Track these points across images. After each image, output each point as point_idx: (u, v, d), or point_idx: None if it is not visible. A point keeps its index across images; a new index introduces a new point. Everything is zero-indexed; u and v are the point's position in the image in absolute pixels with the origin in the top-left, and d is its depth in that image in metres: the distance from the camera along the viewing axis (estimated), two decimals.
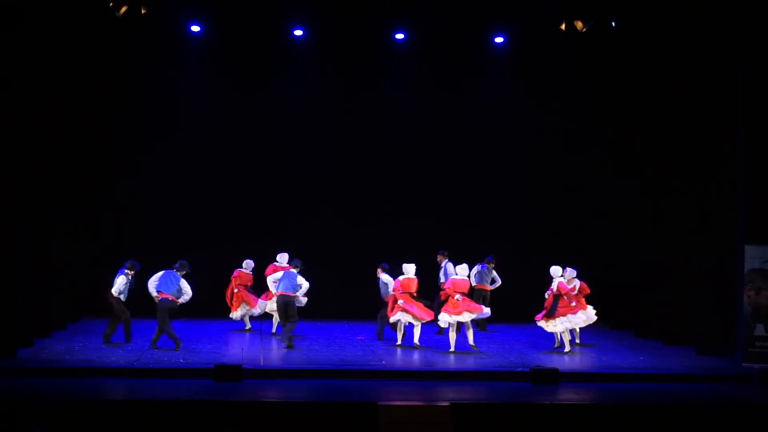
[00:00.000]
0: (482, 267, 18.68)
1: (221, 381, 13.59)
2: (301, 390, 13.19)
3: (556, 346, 16.63)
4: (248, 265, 18.05)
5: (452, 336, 16.00)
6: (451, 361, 15.44)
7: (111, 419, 11.75)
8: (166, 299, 15.53)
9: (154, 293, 15.64)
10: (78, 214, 18.78)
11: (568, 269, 16.70)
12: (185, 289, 15.66)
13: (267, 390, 13.22)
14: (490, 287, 18.68)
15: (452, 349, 15.94)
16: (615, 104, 19.98)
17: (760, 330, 15.19)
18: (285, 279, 16.13)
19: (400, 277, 16.40)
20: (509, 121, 20.91)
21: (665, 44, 17.84)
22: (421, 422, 12.16)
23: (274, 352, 15.85)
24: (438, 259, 18.52)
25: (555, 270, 16.35)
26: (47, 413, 11.55)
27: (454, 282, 16.08)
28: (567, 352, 16.23)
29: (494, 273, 18.73)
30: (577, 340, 17.05)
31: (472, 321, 16.18)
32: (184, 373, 14.01)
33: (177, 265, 15.90)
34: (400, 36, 20.11)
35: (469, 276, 16.56)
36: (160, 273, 15.77)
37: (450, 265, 17.86)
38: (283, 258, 17.53)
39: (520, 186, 20.92)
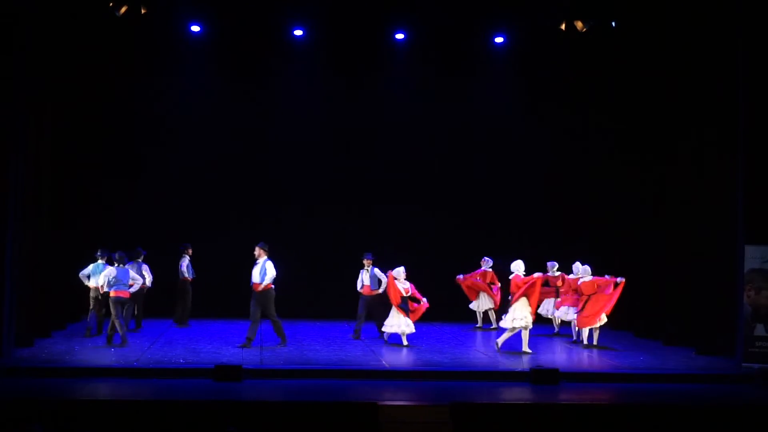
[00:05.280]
0: (373, 269, 17.61)
1: (221, 381, 13.58)
2: (301, 390, 13.19)
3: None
4: (399, 273, 16.79)
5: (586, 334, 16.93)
6: (451, 361, 15.44)
7: (111, 419, 11.74)
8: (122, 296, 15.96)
9: (106, 289, 15.91)
10: (77, 214, 18.78)
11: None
12: (135, 276, 16.26)
13: (267, 390, 13.22)
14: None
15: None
16: (615, 104, 19.98)
17: (760, 330, 15.19)
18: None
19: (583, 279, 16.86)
20: (508, 121, 20.92)
21: (665, 44, 17.85)
22: (421, 422, 12.15)
23: (274, 352, 15.84)
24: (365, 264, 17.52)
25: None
26: (47, 413, 11.54)
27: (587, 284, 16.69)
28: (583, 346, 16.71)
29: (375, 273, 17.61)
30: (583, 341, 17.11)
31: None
32: (184, 373, 14.00)
33: (116, 256, 16.12)
34: (400, 36, 20.12)
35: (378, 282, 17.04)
36: (113, 271, 15.87)
37: (377, 270, 17.35)
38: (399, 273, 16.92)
39: (519, 186, 20.94)
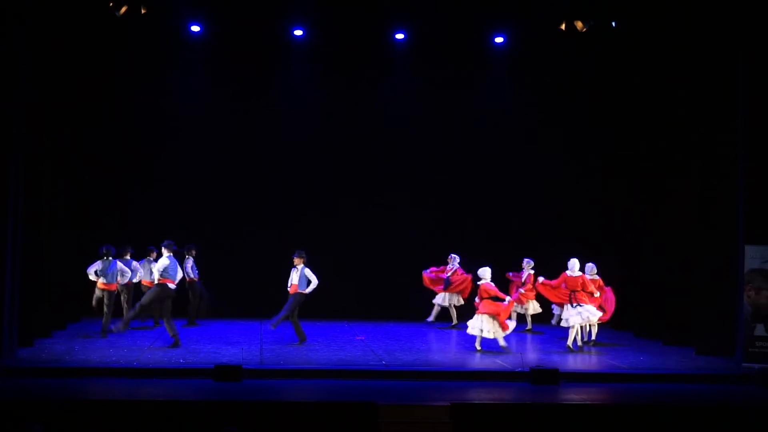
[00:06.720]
0: (303, 268, 16.66)
1: (221, 381, 13.58)
2: (301, 390, 13.20)
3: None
4: (485, 273, 16.73)
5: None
6: (451, 361, 15.44)
7: (111, 419, 11.75)
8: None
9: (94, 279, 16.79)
10: (78, 214, 18.77)
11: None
12: (123, 269, 17.12)
13: (267, 390, 13.22)
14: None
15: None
16: (615, 104, 19.98)
17: (760, 330, 15.20)
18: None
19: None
20: (509, 121, 20.91)
21: (665, 44, 17.84)
22: (421, 422, 12.16)
23: (274, 352, 15.83)
24: (295, 262, 16.64)
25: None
26: (47, 413, 11.54)
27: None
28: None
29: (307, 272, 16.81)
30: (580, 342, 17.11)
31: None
32: (184, 373, 14.01)
33: (103, 250, 16.92)
34: (400, 36, 20.11)
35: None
36: (100, 264, 16.83)
37: (307, 270, 16.46)
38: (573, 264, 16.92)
39: (519, 186, 20.92)
